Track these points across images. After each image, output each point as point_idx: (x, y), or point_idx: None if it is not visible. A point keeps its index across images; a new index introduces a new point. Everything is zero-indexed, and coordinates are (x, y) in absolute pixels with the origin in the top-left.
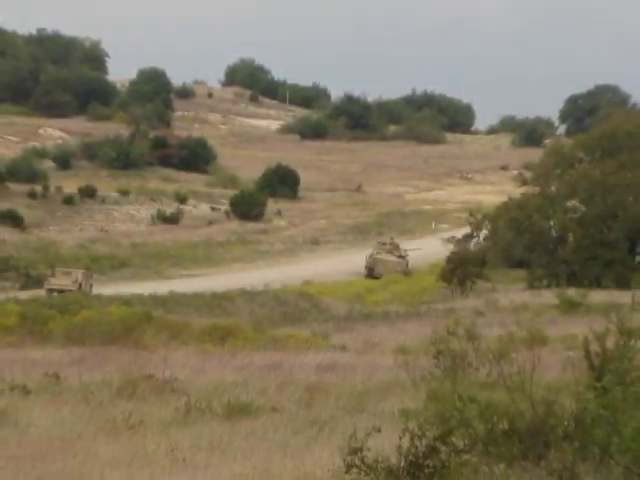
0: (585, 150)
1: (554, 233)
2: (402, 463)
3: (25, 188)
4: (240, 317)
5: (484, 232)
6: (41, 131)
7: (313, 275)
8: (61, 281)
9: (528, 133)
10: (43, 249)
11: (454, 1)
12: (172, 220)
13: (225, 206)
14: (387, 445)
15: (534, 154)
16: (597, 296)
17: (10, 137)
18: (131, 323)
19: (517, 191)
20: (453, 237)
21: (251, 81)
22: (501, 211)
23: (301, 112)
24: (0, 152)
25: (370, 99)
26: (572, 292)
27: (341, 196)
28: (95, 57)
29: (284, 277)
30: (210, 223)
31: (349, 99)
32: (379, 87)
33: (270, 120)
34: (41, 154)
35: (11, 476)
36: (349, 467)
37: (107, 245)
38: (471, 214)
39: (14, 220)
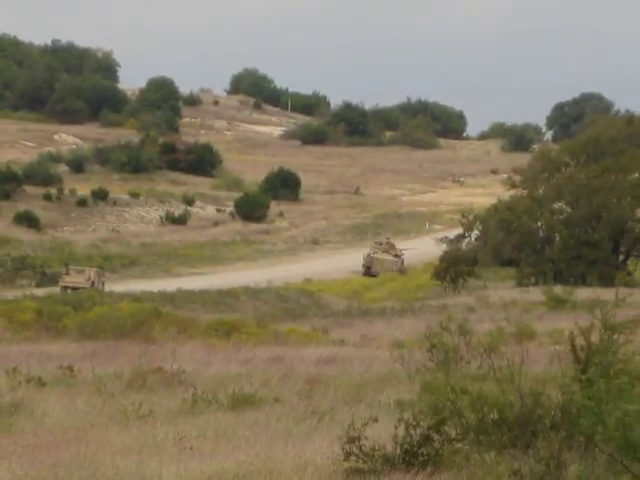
0: (571, 155)
1: (541, 233)
2: (398, 451)
3: (41, 191)
4: (244, 313)
5: (475, 232)
6: (56, 137)
7: (313, 273)
8: (75, 279)
9: (517, 139)
10: (58, 248)
11: (449, 16)
12: (180, 221)
13: (230, 208)
14: (383, 434)
15: (523, 159)
16: (582, 293)
17: (27, 142)
18: (141, 319)
19: (506, 194)
20: (446, 237)
21: (255, 89)
22: (491, 212)
23: (302, 119)
24: (17, 157)
25: (367, 106)
26: (559, 289)
27: (340, 198)
28: (107, 67)
29: (286, 275)
30: (216, 224)
31: (348, 106)
32: (376, 95)
33: (273, 126)
34: (56, 159)
35: (27, 463)
36: (347, 455)
37: (118, 245)
38: (463, 215)
39: (30, 221)
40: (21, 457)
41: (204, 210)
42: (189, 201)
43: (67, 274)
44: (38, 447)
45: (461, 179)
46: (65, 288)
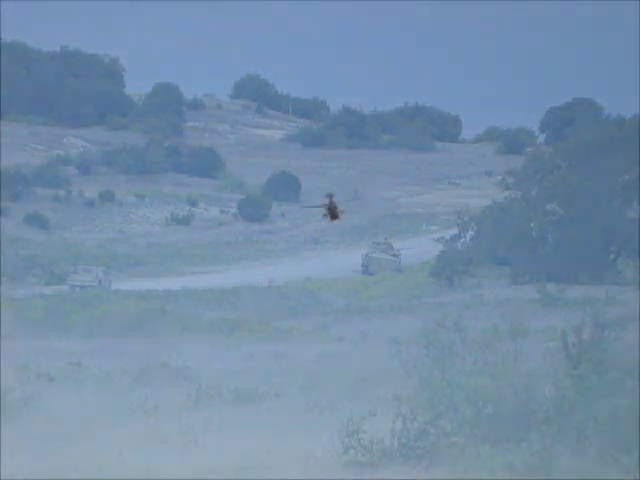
0: (563, 157)
1: (535, 234)
2: (395, 444)
3: (50, 192)
4: (246, 310)
5: (470, 233)
6: (64, 140)
7: (313, 272)
8: (83, 277)
9: (511, 142)
10: (66, 248)
11: (446, 23)
12: (184, 222)
13: (233, 209)
14: (382, 428)
15: (516, 161)
16: (574, 291)
17: (36, 146)
18: (147, 316)
19: (501, 195)
20: (442, 237)
21: (257, 94)
22: (486, 213)
23: (303, 123)
24: (27, 159)
25: (366, 111)
26: (551, 288)
27: (339, 200)
28: (114, 72)
29: (287, 274)
30: (219, 224)
31: (347, 111)
32: (374, 100)
33: (274, 130)
34: (64, 161)
35: (36, 456)
36: (347, 448)
37: (125, 245)
38: (459, 216)
39: (40, 222)
40: (31, 450)
41: (208, 211)
42: (193, 202)
43: (75, 273)
44: (47, 440)
45: (457, 181)
46: (73, 286)
